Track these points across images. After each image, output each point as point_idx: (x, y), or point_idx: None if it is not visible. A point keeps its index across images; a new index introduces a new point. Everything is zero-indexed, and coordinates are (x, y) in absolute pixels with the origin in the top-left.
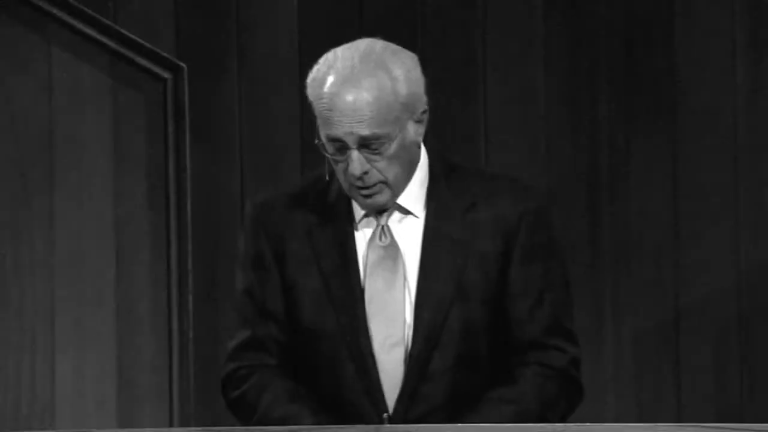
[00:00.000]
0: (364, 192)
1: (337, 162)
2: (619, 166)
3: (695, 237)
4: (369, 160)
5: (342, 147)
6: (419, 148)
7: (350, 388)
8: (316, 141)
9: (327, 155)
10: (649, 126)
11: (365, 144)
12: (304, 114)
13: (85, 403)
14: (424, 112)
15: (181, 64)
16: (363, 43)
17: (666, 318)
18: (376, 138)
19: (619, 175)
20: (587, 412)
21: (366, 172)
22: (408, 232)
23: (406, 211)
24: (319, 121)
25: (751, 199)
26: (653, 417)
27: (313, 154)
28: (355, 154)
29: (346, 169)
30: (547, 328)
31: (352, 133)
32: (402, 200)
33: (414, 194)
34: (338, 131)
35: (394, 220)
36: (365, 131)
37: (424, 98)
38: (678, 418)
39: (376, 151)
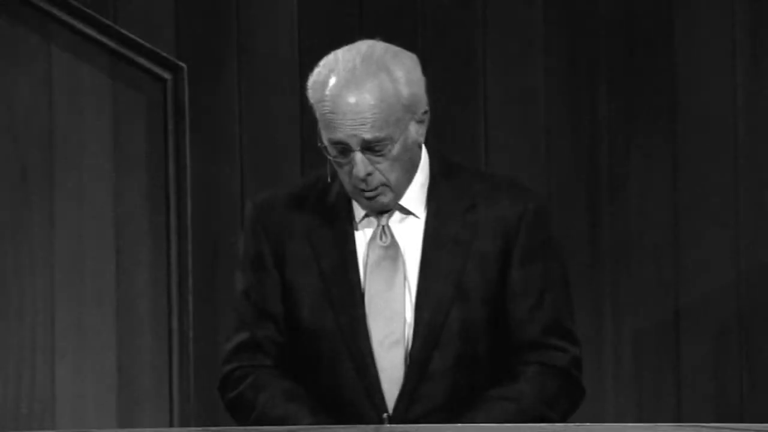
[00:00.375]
0: (368, 194)
1: (340, 165)
2: (619, 166)
3: (695, 237)
4: (372, 162)
5: (345, 149)
6: (420, 148)
7: (350, 387)
8: (319, 144)
9: (329, 158)
10: (649, 126)
11: (368, 146)
12: (304, 114)
13: (85, 403)
14: (425, 112)
15: (181, 64)
16: (363, 45)
17: (666, 318)
18: (378, 140)
19: (619, 175)
20: (587, 412)
21: (369, 174)
22: (408, 232)
23: (406, 212)
24: (321, 125)
25: (751, 199)
26: (653, 417)
27: (313, 154)
28: (358, 157)
29: (349, 172)
30: (547, 328)
31: (355, 136)
32: (403, 201)
33: (415, 194)
34: (341, 134)
35: (395, 221)
36: (368, 134)
37: (425, 99)
38: (678, 418)
39: (379, 153)
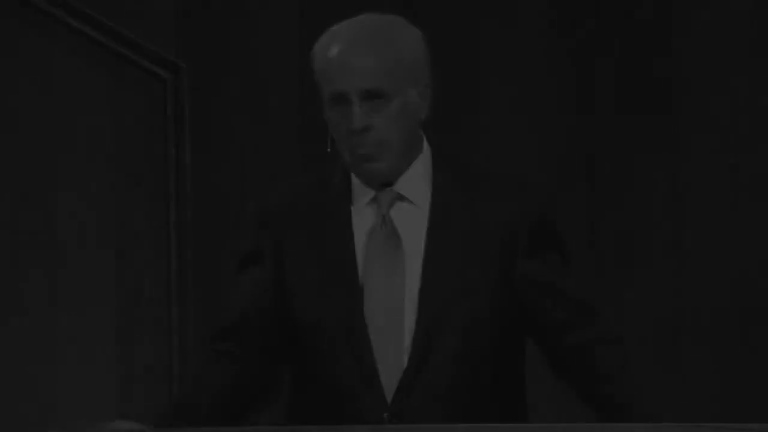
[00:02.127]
0: (364, 152)
1: (338, 122)
2: (619, 166)
3: (695, 237)
4: (370, 117)
5: (343, 99)
6: (421, 127)
7: (349, 378)
8: (322, 102)
9: (329, 116)
10: (649, 126)
11: (367, 97)
12: (304, 114)
13: (85, 403)
14: (426, 86)
15: (181, 64)
16: (366, 15)
17: (666, 318)
18: (376, 91)
19: (619, 175)
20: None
21: (366, 129)
22: (410, 222)
23: (407, 201)
24: (322, 82)
25: (751, 199)
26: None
27: (314, 154)
28: (356, 108)
29: (347, 129)
30: (578, 308)
31: (353, 85)
32: (404, 190)
33: (416, 184)
34: (340, 83)
35: (396, 210)
36: (367, 81)
37: (428, 72)
38: (678, 418)
39: (377, 108)
